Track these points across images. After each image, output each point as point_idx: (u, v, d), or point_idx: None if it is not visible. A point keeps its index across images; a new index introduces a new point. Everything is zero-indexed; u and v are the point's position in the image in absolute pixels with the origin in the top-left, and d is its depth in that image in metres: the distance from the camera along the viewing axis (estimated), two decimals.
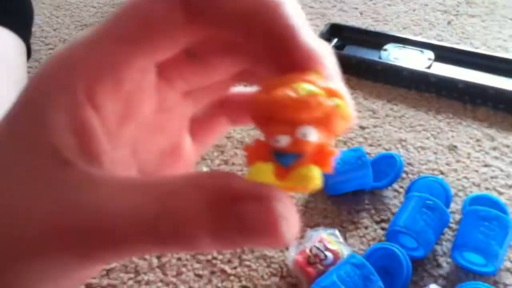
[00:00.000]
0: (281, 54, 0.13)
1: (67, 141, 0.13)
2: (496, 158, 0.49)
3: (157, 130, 0.16)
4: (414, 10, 0.75)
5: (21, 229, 0.12)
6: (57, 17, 0.79)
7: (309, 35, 0.13)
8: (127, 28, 0.13)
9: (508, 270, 0.39)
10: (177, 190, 0.12)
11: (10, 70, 0.50)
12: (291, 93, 0.12)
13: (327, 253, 0.39)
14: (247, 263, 0.41)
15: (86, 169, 0.13)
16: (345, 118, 0.13)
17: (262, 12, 0.13)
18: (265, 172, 0.12)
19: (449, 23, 0.72)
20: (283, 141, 0.12)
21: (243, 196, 0.11)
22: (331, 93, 0.13)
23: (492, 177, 0.47)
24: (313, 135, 0.12)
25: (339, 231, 0.42)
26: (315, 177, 0.12)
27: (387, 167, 0.45)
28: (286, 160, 0.12)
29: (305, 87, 0.12)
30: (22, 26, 0.56)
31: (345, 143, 0.52)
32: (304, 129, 0.12)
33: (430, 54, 0.59)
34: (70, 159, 0.13)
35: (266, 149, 0.12)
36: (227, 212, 0.11)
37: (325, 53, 0.13)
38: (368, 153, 0.50)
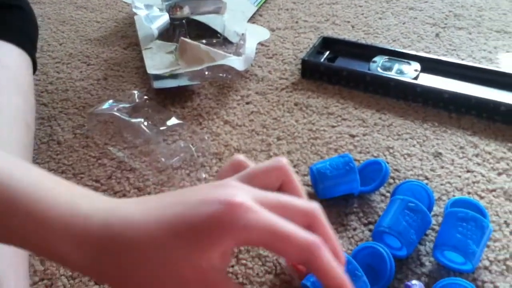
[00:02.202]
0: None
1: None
2: (478, 164, 0.52)
3: None
4: (403, 23, 0.79)
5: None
6: (63, 32, 0.82)
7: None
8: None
9: (486, 268, 0.42)
10: None
11: (12, 78, 0.53)
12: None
13: None
14: (244, 261, 0.44)
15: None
16: None
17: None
18: None
19: (437, 35, 0.75)
20: None
21: None
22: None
23: (474, 182, 0.50)
24: None
25: None
26: None
27: (374, 173, 0.48)
28: None
29: None
30: (26, 41, 0.59)
31: (335, 150, 0.55)
32: None
33: (417, 65, 0.63)
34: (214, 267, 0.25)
35: None
36: None
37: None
38: (357, 160, 0.53)
